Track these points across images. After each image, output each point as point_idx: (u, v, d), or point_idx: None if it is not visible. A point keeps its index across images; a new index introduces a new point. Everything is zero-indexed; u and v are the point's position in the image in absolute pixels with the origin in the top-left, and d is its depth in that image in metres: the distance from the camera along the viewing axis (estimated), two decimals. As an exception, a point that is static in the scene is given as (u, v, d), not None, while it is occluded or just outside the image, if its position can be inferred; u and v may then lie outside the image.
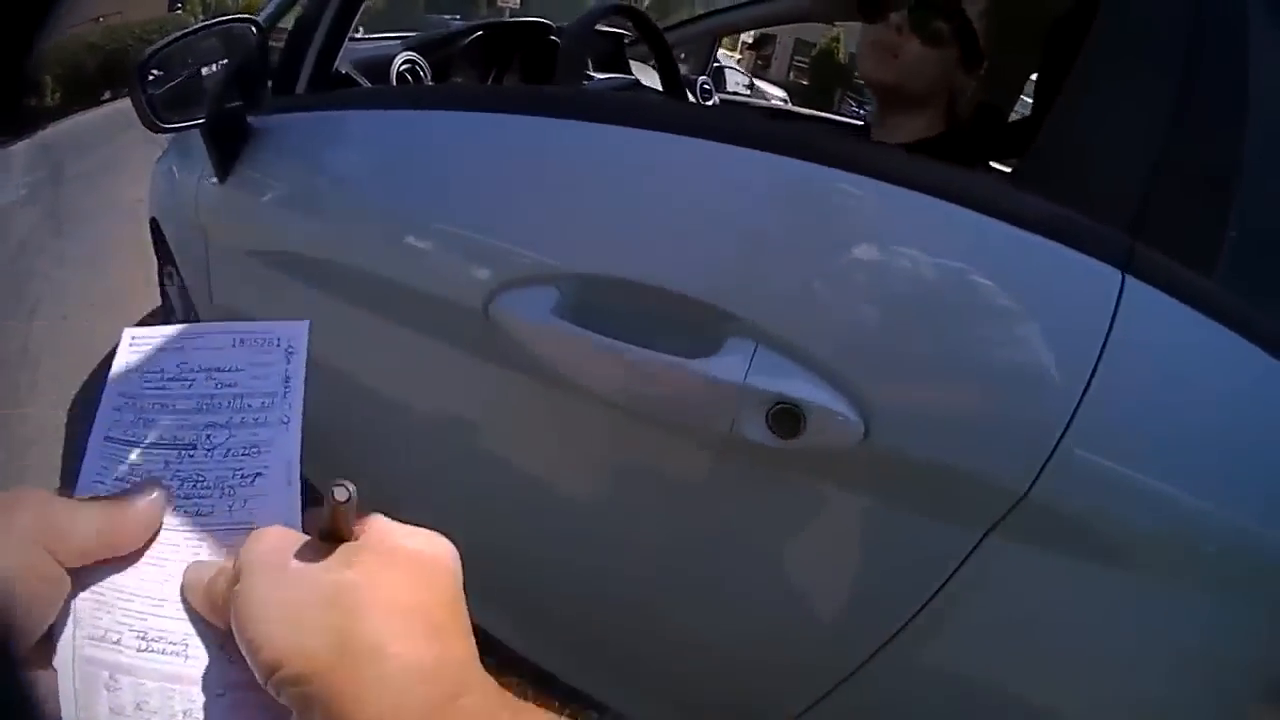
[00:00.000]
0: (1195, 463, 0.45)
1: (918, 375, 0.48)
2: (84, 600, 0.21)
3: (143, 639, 0.21)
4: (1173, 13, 0.47)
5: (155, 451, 0.25)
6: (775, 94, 8.05)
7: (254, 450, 0.25)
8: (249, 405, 0.26)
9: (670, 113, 0.62)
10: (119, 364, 0.26)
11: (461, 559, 0.25)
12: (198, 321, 1.25)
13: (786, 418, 0.47)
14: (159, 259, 1.54)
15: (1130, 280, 0.44)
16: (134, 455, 0.25)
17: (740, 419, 0.49)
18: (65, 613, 0.21)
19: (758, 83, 9.94)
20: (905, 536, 0.52)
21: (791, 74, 13.57)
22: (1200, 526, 0.45)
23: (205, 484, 0.24)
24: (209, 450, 0.25)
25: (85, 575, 0.22)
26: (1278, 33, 0.47)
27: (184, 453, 0.25)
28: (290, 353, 0.27)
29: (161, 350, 0.27)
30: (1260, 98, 0.45)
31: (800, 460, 0.50)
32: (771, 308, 0.50)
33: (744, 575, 0.57)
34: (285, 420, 0.26)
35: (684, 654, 0.63)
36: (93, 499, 0.23)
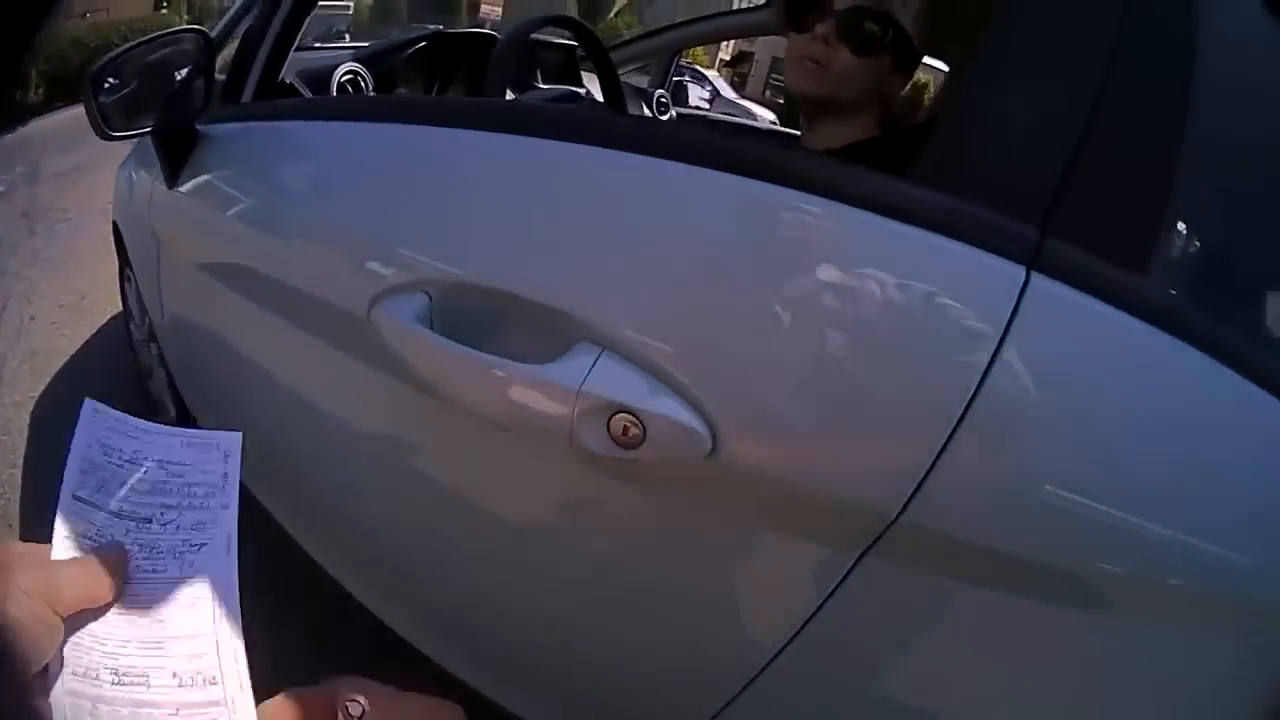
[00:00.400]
0: (1107, 470, 0.40)
1: (773, 386, 0.44)
2: (69, 644, 0.26)
3: (115, 674, 0.26)
4: None
5: (118, 520, 0.30)
6: (764, 115, 7.89)
7: (201, 526, 0.31)
8: (195, 492, 0.31)
9: (542, 118, 0.59)
10: (82, 432, 0.31)
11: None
12: (151, 330, 1.25)
13: (627, 427, 0.45)
14: (120, 261, 1.53)
15: (1036, 276, 0.39)
16: (100, 517, 0.30)
17: (580, 427, 0.46)
18: (58, 653, 0.26)
19: (744, 102, 9.58)
20: (771, 557, 0.49)
21: (768, 91, 13.36)
22: (1118, 541, 0.41)
23: (160, 550, 0.30)
24: (163, 525, 0.30)
25: (70, 623, 0.26)
26: (1230, 22, 0.43)
27: (141, 524, 0.30)
28: (228, 455, 0.32)
29: (119, 434, 0.32)
30: (1206, 90, 0.41)
31: (650, 473, 0.48)
32: (620, 313, 0.47)
33: (611, 592, 0.56)
34: (225, 505, 0.31)
35: (572, 671, 0.62)
36: (74, 559, 0.28)
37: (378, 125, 0.67)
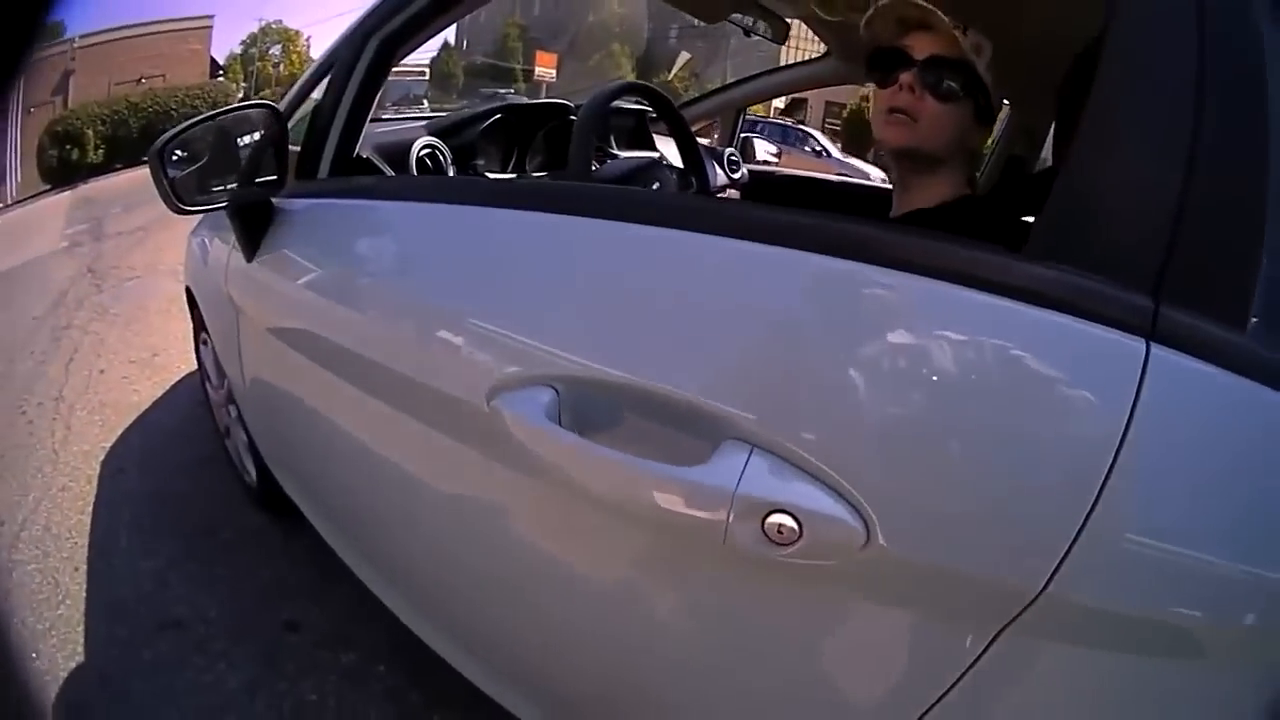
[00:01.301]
0: (1242, 540, 0.39)
1: (919, 476, 0.43)
2: None
3: None
4: (1178, 49, 0.42)
5: None
6: (875, 173, 6.60)
7: None
8: None
9: (666, 207, 0.57)
10: None
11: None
12: (230, 392, 1.24)
13: (782, 526, 0.44)
14: (195, 324, 1.53)
15: (1156, 349, 0.39)
16: None
17: (734, 528, 0.45)
18: None
19: (853, 161, 8.93)
20: (912, 638, 0.47)
21: (825, 136, 13.19)
22: (1254, 608, 0.40)
23: None
24: None
25: None
26: None
27: None
28: None
29: None
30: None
31: (802, 567, 0.46)
32: (765, 410, 0.46)
33: (751, 681, 0.54)
34: None
35: None
36: None
37: (483, 209, 0.65)
